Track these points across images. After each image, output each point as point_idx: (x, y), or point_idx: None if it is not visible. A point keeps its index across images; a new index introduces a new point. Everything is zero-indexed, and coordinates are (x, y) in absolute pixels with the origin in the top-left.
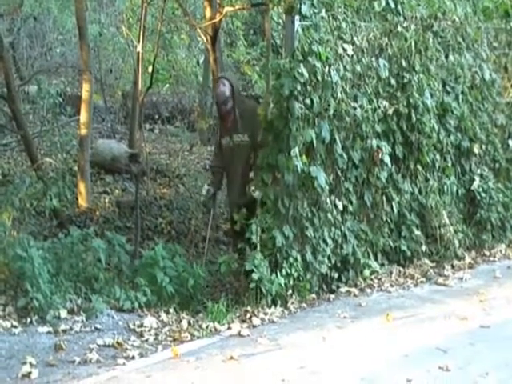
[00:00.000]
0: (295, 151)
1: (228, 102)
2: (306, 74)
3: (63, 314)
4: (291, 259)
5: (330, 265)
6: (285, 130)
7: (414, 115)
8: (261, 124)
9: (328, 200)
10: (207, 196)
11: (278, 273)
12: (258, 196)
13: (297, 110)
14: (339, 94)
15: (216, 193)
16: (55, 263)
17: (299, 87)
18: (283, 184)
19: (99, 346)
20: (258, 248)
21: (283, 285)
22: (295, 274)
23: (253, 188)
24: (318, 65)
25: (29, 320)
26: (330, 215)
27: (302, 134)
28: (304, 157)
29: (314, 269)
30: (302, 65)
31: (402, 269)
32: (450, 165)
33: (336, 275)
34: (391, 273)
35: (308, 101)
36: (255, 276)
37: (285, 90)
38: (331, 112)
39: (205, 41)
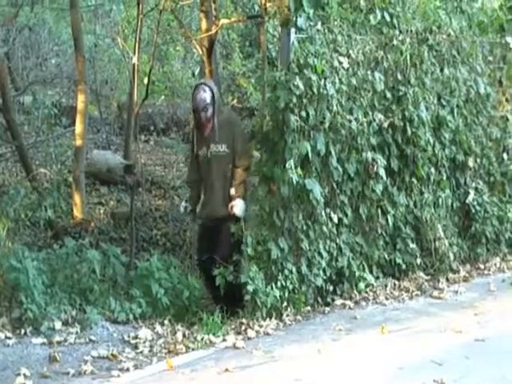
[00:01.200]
0: (290, 163)
1: (208, 109)
2: (301, 86)
3: (58, 325)
4: (286, 271)
5: (325, 277)
6: (280, 142)
7: (409, 128)
8: (241, 134)
9: (323, 213)
10: (185, 213)
11: (273, 285)
12: (238, 213)
13: (292, 122)
14: (334, 107)
15: (195, 208)
16: (50, 274)
17: (295, 99)
18: (279, 196)
19: (94, 357)
20: (254, 260)
21: (278, 297)
22: (290, 287)
23: (233, 203)
24: (314, 77)
25: (23, 331)
26: (325, 228)
27: (298, 147)
28: (299, 169)
29: (309, 281)
30: (297, 77)
31: (396, 282)
32: (444, 178)
33: (331, 288)
34: (386, 286)
35: (304, 113)
36: (250, 288)
37: (280, 102)
38: (326, 125)
39: (200, 52)
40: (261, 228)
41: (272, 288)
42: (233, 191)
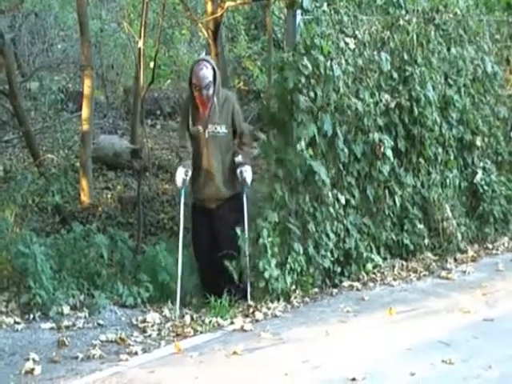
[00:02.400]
0: (302, 145)
1: (210, 86)
2: (309, 66)
3: (66, 310)
4: (294, 254)
5: (332, 259)
6: (289, 123)
7: (416, 108)
8: (239, 112)
9: (330, 194)
10: (185, 180)
11: (286, 271)
12: (248, 180)
13: (302, 102)
14: (341, 88)
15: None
16: (58, 259)
17: (303, 80)
18: (288, 178)
19: (102, 341)
20: (269, 247)
21: (288, 283)
22: (298, 269)
23: (244, 169)
24: (321, 58)
25: (32, 316)
26: (332, 209)
27: (307, 127)
28: (310, 150)
29: (316, 263)
30: (305, 57)
31: (404, 262)
32: (452, 158)
33: (339, 269)
34: (394, 266)
35: (312, 94)
36: (266, 275)
37: (289, 82)
38: (333, 106)
39: (206, 36)
40: (273, 212)
41: (284, 274)
42: (240, 158)
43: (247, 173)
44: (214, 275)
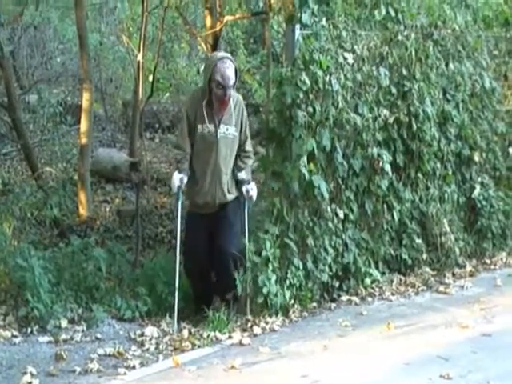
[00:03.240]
0: (304, 160)
1: (232, 88)
2: (308, 81)
3: (64, 323)
4: (293, 269)
5: (331, 273)
6: (288, 137)
7: (414, 123)
8: (247, 118)
9: (329, 208)
10: (180, 186)
11: (285, 286)
12: (255, 197)
13: (300, 117)
14: (340, 103)
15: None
16: (56, 272)
17: (301, 95)
18: (287, 192)
19: (100, 355)
20: (271, 261)
21: (288, 298)
22: (297, 284)
23: (250, 186)
24: (320, 73)
25: (29, 330)
26: (330, 224)
27: (306, 142)
28: (311, 165)
29: (315, 277)
30: (304, 73)
31: (402, 277)
32: (450, 173)
33: (337, 284)
34: (392, 281)
35: (310, 109)
36: (265, 290)
37: (287, 98)
38: (332, 120)
39: (205, 49)
40: (273, 225)
41: (283, 289)
42: (244, 175)
43: (253, 191)
44: (206, 288)
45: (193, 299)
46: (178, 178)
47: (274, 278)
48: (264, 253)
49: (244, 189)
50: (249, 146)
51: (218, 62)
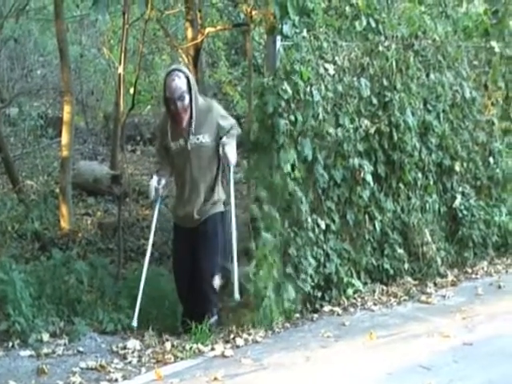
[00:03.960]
0: (287, 168)
1: (185, 97)
2: (289, 90)
3: (45, 337)
4: (281, 281)
5: (313, 284)
6: (271, 146)
7: (395, 134)
8: (223, 116)
9: (309, 219)
10: (157, 189)
11: (274, 300)
12: (232, 158)
13: (282, 126)
14: (320, 114)
15: (167, 187)
16: (37, 286)
17: (283, 104)
18: (271, 203)
19: (82, 369)
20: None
21: (274, 309)
22: (284, 296)
23: (223, 141)
24: (301, 83)
25: (10, 344)
26: (311, 234)
27: (288, 151)
28: (296, 172)
29: (297, 288)
30: (285, 82)
31: (384, 287)
32: (431, 183)
33: (319, 294)
34: (374, 291)
35: (292, 117)
36: (257, 302)
37: (269, 107)
38: (312, 131)
39: (186, 61)
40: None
41: (271, 303)
42: (224, 138)
43: (229, 146)
44: (193, 303)
45: (182, 314)
46: (155, 180)
47: (265, 289)
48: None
49: (220, 148)
50: (230, 124)
51: (166, 77)
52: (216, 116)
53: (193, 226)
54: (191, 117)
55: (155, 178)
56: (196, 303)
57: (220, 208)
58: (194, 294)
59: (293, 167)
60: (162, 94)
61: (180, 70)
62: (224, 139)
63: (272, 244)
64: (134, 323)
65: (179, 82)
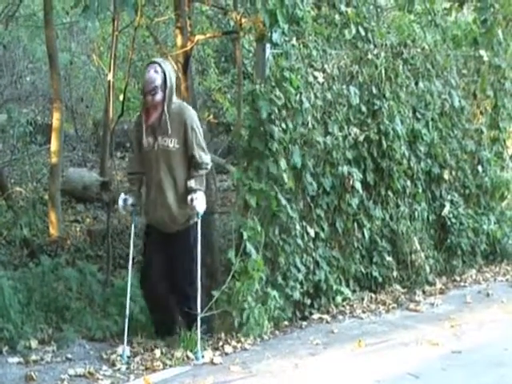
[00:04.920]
0: (280, 175)
1: (157, 92)
2: (282, 97)
3: (34, 344)
4: (270, 291)
5: (302, 291)
6: (263, 153)
7: (384, 142)
8: (196, 127)
9: (299, 226)
10: (125, 207)
11: (262, 308)
12: (200, 208)
13: (276, 133)
14: (310, 122)
15: (136, 203)
16: (26, 293)
17: (276, 110)
18: (260, 210)
19: (70, 376)
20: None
21: (263, 318)
22: (272, 305)
23: (195, 196)
24: (292, 90)
25: None
26: (300, 242)
27: (280, 159)
28: (290, 181)
29: (286, 296)
30: (277, 89)
31: (373, 295)
32: (420, 191)
33: (308, 302)
34: (363, 299)
35: (284, 125)
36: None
37: (262, 112)
38: (302, 139)
39: (176, 68)
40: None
41: (261, 314)
42: (192, 183)
43: (198, 200)
44: (165, 313)
45: (153, 325)
46: (121, 199)
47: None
48: (250, 270)
49: (189, 197)
50: (201, 158)
51: (146, 68)
52: (185, 121)
53: (168, 232)
54: (161, 115)
55: (122, 196)
56: (169, 312)
57: (194, 219)
58: (166, 302)
59: (283, 175)
60: None
61: (159, 64)
62: (192, 183)
63: (255, 254)
64: (126, 354)
65: (154, 75)
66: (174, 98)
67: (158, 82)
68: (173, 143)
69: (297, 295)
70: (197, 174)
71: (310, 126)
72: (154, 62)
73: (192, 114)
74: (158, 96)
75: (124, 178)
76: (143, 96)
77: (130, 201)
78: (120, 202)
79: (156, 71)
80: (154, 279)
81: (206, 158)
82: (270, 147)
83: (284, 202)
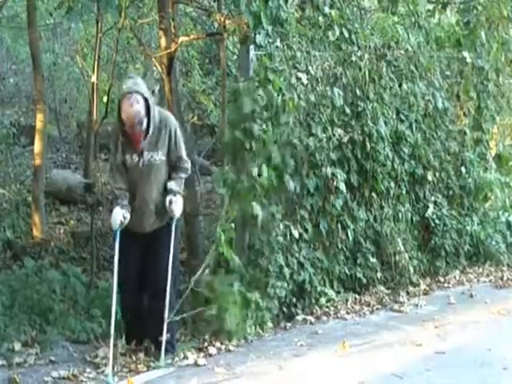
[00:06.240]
0: (255, 172)
1: (143, 121)
2: (265, 97)
3: (17, 346)
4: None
5: (285, 293)
6: (243, 151)
7: (368, 143)
8: (177, 135)
9: (282, 226)
10: (121, 225)
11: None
12: (177, 212)
13: (256, 130)
14: (291, 122)
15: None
16: (9, 295)
17: (258, 109)
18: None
19: (54, 378)
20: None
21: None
22: (253, 306)
23: (174, 199)
24: (274, 92)
25: None
26: (284, 242)
27: (259, 156)
28: (266, 180)
29: (269, 297)
30: (261, 89)
31: (357, 296)
32: (404, 192)
33: (293, 303)
34: (347, 300)
35: (265, 126)
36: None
37: (245, 108)
38: (284, 140)
39: (160, 70)
40: (230, 248)
41: (245, 319)
42: (173, 185)
43: (176, 204)
44: (139, 320)
45: (124, 332)
46: (120, 213)
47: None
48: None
49: (167, 199)
50: (183, 163)
51: (123, 98)
52: (169, 132)
53: (144, 233)
54: (146, 135)
55: (120, 210)
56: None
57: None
58: (141, 309)
59: (262, 173)
60: (156, 99)
61: (138, 92)
62: (172, 185)
63: (235, 254)
64: (110, 378)
65: (138, 107)
66: (157, 110)
67: (142, 111)
68: (159, 156)
69: (282, 296)
70: (178, 177)
71: (292, 126)
72: (132, 92)
73: (173, 120)
74: (145, 123)
75: (108, 180)
76: (127, 125)
77: (128, 215)
78: (120, 218)
79: (137, 101)
80: (129, 283)
81: (188, 161)
82: (251, 145)
83: (265, 201)
